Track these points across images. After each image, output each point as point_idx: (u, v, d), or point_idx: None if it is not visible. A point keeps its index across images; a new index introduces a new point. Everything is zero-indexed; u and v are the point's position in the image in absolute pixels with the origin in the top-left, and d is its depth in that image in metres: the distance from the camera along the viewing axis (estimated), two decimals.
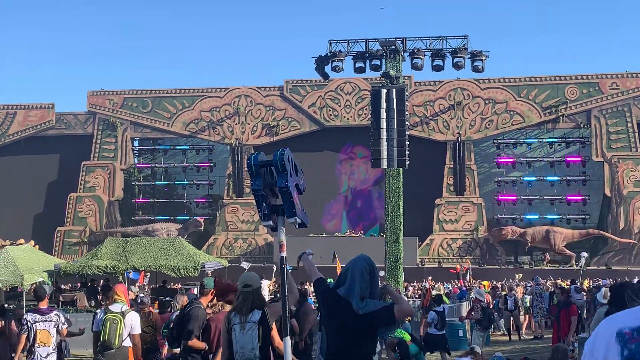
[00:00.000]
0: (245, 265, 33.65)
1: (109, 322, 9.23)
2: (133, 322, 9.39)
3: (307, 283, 33.61)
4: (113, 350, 9.18)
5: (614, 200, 50.01)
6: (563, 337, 13.75)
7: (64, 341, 11.78)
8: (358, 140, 51.61)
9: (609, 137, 50.45)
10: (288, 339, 5.11)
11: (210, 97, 56.32)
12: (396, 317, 5.32)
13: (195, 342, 9.12)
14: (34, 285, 13.72)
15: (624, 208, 49.19)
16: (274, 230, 5.36)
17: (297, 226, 5.33)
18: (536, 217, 51.34)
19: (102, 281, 28.68)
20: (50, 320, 9.88)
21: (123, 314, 9.32)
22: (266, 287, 19.69)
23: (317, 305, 10.71)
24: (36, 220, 57.60)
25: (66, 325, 9.99)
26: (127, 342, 9.32)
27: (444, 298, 22.28)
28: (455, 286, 30.86)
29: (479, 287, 27.18)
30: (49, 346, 9.87)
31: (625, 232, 48.76)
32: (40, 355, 9.91)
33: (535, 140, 52.51)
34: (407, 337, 10.90)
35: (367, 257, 5.57)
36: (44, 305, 10.17)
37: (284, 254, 5.25)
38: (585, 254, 42.00)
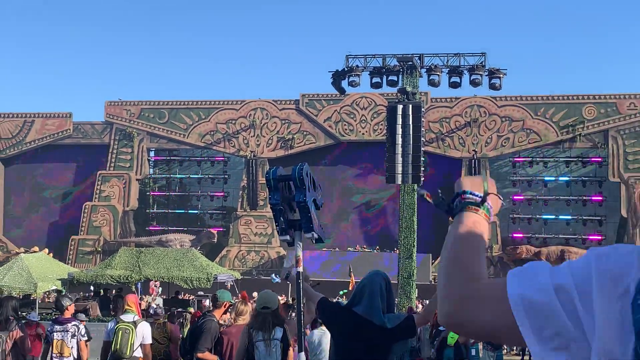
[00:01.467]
0: (276, 278, 33.39)
1: (120, 332, 9.23)
2: (145, 332, 9.39)
3: None
4: None
5: (630, 221, 49.57)
6: None
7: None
8: (373, 155, 51.54)
9: (625, 157, 50.09)
10: (303, 355, 5.07)
11: (227, 109, 56.51)
12: (417, 326, 5.36)
13: (207, 355, 9.08)
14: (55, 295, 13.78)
15: None
16: (291, 245, 5.34)
17: (314, 241, 5.31)
18: (552, 217, 50.93)
19: (114, 291, 28.71)
20: (67, 331, 9.89)
21: (135, 323, 9.33)
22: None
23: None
24: (51, 228, 57.90)
25: (86, 338, 9.97)
26: (138, 352, 9.32)
27: None
28: None
29: None
30: (66, 357, 9.87)
31: None
32: None
33: (552, 159, 52.23)
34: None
35: (383, 272, 5.55)
36: (66, 315, 10.21)
37: (301, 269, 5.23)
38: None
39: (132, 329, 9.17)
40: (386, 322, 5.24)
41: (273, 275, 36.70)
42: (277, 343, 6.79)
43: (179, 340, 11.99)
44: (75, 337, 9.76)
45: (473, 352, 19.07)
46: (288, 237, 5.21)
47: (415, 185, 30.31)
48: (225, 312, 10.06)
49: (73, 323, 9.96)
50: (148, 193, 58.76)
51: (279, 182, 5.15)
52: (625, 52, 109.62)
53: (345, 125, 54.32)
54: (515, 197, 51.88)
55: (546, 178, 51.81)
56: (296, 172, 5.09)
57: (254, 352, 6.63)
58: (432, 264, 49.62)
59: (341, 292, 30.20)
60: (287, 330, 6.90)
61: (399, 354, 5.42)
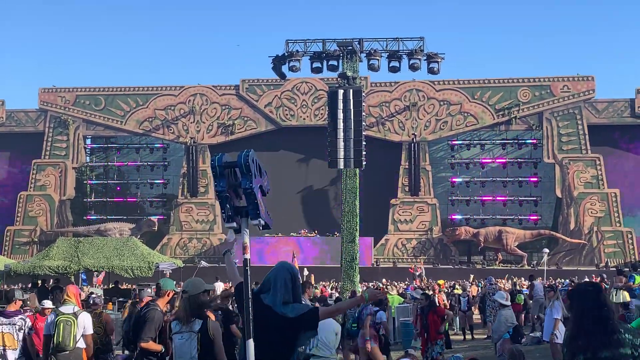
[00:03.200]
0: (204, 264, 33.36)
1: (62, 324, 9.03)
2: (86, 323, 9.23)
3: None
4: (67, 352, 8.99)
5: (564, 201, 51.02)
6: None
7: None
8: (314, 140, 51.67)
9: (560, 139, 51.43)
10: (251, 341, 5.04)
11: (165, 96, 55.75)
12: (319, 319, 5.38)
13: (151, 345, 8.96)
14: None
15: (574, 209, 50.24)
16: (238, 232, 5.29)
17: (260, 228, 5.27)
18: (489, 198, 52.23)
19: (52, 281, 28.08)
20: (14, 324, 9.67)
21: (76, 315, 9.14)
22: (220, 289, 19.51)
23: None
24: None
25: (34, 331, 9.76)
26: (81, 344, 9.15)
27: (397, 299, 22.43)
28: (412, 285, 31.06)
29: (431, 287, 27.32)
30: (15, 349, 9.68)
31: (575, 232, 49.81)
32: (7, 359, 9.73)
33: (489, 142, 53.27)
34: None
35: (288, 265, 5.60)
36: (12, 308, 9.97)
37: (248, 256, 5.18)
38: (546, 250, 43.00)
39: (74, 321, 9.00)
40: (287, 313, 5.29)
41: (201, 261, 36.70)
42: (192, 335, 6.59)
43: (113, 331, 11.85)
44: (23, 331, 9.58)
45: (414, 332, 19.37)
46: (234, 224, 5.15)
47: (357, 169, 30.51)
48: (169, 302, 9.95)
49: (20, 317, 9.76)
50: (85, 182, 57.63)
51: (224, 168, 5.09)
52: (558, 35, 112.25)
53: (286, 110, 54.23)
54: (453, 180, 52.78)
55: (483, 160, 52.83)
56: (242, 158, 5.04)
57: (172, 345, 6.54)
58: (374, 247, 50.18)
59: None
60: (208, 323, 6.81)
61: (302, 344, 5.46)
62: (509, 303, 13.39)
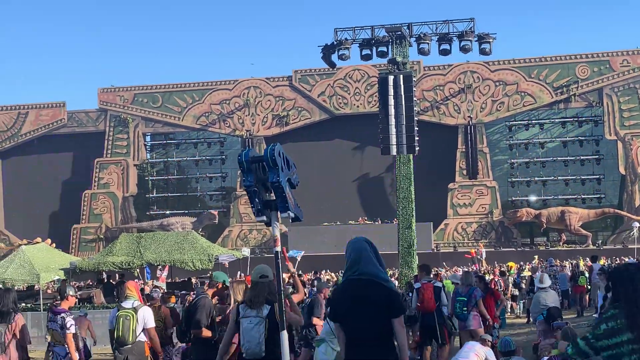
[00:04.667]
0: (245, 251, 33.46)
1: (121, 319, 9.29)
2: (146, 317, 9.44)
3: (322, 272, 33.66)
4: (129, 346, 9.24)
5: (628, 178, 49.64)
6: None
7: (83, 339, 11.81)
8: (369, 127, 51.53)
9: (621, 114, 50.02)
10: (285, 333, 5.13)
11: (220, 90, 56.41)
12: (404, 311, 5.41)
13: (203, 331, 9.19)
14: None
15: (639, 186, 48.84)
16: (268, 225, 5.37)
17: (290, 220, 5.35)
18: (551, 178, 51.23)
19: (117, 277, 28.84)
20: (56, 322, 9.97)
21: (135, 309, 9.38)
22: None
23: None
24: (52, 218, 58.08)
25: (70, 331, 9.99)
26: (142, 337, 9.38)
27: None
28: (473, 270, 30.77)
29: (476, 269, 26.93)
30: (63, 346, 9.96)
31: None
32: (58, 354, 10.01)
33: (548, 121, 52.18)
34: None
35: (363, 237, 5.56)
36: (64, 305, 10.28)
37: (278, 249, 5.27)
38: (637, 224, 41.74)
39: (133, 315, 9.22)
40: (389, 283, 5.33)
41: (243, 248, 36.91)
42: (260, 320, 6.69)
43: (172, 324, 12.06)
44: (63, 329, 9.85)
45: None
46: (264, 218, 5.24)
47: (411, 155, 30.31)
48: (217, 293, 10.14)
49: (61, 315, 10.01)
50: (147, 178, 58.90)
51: (251, 163, 5.18)
52: (615, 9, 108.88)
53: (339, 99, 54.20)
54: (513, 161, 51.94)
55: (543, 140, 51.80)
56: (268, 152, 5.11)
57: (240, 327, 6.66)
58: (433, 232, 49.80)
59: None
60: (276, 308, 6.84)
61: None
62: (545, 285, 13.25)
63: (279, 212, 5.20)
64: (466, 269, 31.00)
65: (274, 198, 5.19)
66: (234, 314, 6.88)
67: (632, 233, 43.09)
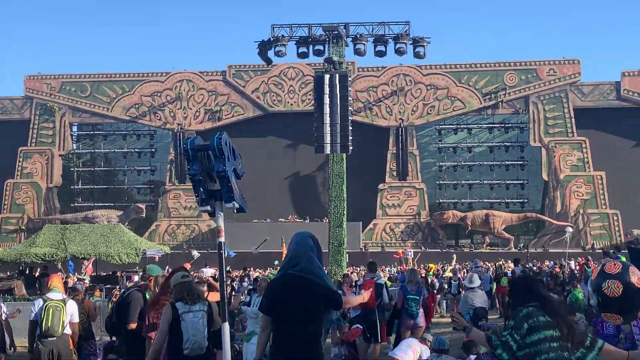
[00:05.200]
0: (195, 254, 33.36)
1: (51, 310, 9.05)
2: (73, 310, 9.27)
3: (251, 269, 33.50)
4: (55, 338, 9.01)
5: (550, 184, 51.28)
6: None
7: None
8: (302, 126, 51.63)
9: (546, 122, 51.62)
10: (227, 325, 5.07)
11: (151, 82, 55.49)
12: (341, 306, 5.41)
13: (136, 325, 9.03)
14: None
15: (561, 192, 50.53)
16: (212, 216, 5.30)
17: (235, 211, 5.27)
18: (477, 182, 52.47)
19: (40, 269, 28.04)
20: None
21: (64, 301, 9.17)
22: (209, 274, 19.55)
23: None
24: None
25: (3, 317, 9.73)
26: (68, 330, 9.17)
27: (387, 283, 22.53)
28: (399, 270, 31.23)
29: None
30: None
31: (562, 215, 50.10)
32: None
33: (476, 126, 53.38)
34: None
35: (308, 232, 5.54)
36: None
37: (222, 239, 5.20)
38: (570, 229, 43.16)
39: (62, 307, 9.02)
40: (327, 281, 5.29)
41: (194, 251, 36.73)
42: (202, 314, 6.72)
43: (95, 317, 11.85)
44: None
45: None
46: (208, 208, 5.16)
47: (344, 154, 30.54)
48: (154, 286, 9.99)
49: None
50: (72, 169, 57.37)
51: (197, 152, 5.09)
52: (544, 18, 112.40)
53: (273, 96, 54.10)
54: (441, 164, 52.93)
55: (470, 144, 52.98)
56: (214, 141, 5.04)
57: (180, 325, 6.62)
58: (362, 232, 50.29)
59: (276, 262, 30.36)
60: (212, 303, 6.94)
61: (326, 320, 5.46)
62: (473, 285, 13.58)
63: (223, 202, 5.13)
64: (402, 269, 31.47)
65: (219, 188, 5.11)
66: (169, 313, 6.75)
67: (564, 237, 44.60)
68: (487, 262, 37.14)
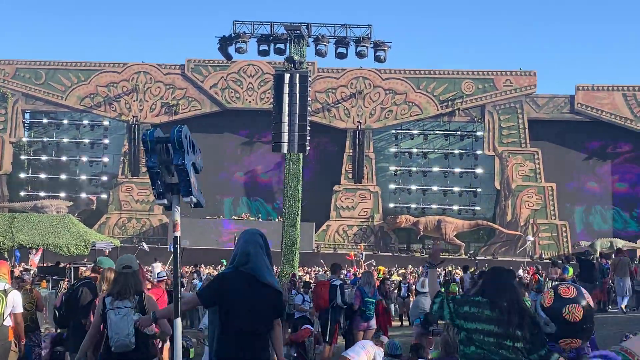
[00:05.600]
0: (145, 247, 32.97)
1: None
2: (15, 301, 8.98)
3: (201, 266, 33.25)
4: None
5: (502, 193, 52.06)
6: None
7: None
8: (259, 123, 51.46)
9: (500, 132, 52.38)
10: (179, 320, 5.00)
11: (108, 72, 54.67)
12: (283, 315, 5.43)
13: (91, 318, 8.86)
14: None
15: (512, 201, 51.34)
16: (168, 209, 5.22)
17: (192, 205, 5.20)
18: (430, 188, 52.79)
19: None
20: None
21: (5, 292, 8.89)
22: (158, 269, 19.34)
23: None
24: None
25: None
26: (8, 322, 8.90)
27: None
28: (350, 272, 31.33)
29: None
30: None
31: (512, 224, 50.89)
32: None
33: (432, 132, 53.87)
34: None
35: (256, 229, 5.50)
36: None
37: (178, 234, 5.13)
38: (531, 238, 43.80)
39: (3, 298, 8.77)
40: (274, 282, 5.25)
41: (142, 243, 36.41)
42: (128, 310, 6.51)
43: (44, 307, 11.58)
44: None
45: None
46: (165, 201, 5.08)
47: (301, 154, 30.53)
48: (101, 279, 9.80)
49: None
50: (22, 157, 56.13)
51: (156, 144, 5.01)
52: (502, 29, 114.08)
53: (231, 92, 53.80)
54: (395, 168, 53.28)
55: (426, 150, 53.44)
56: (174, 134, 4.96)
57: (107, 320, 6.48)
58: (315, 232, 50.34)
59: (223, 261, 30.16)
60: (145, 298, 6.76)
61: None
62: (425, 290, 13.72)
63: (181, 196, 5.06)
64: (353, 271, 31.53)
65: (177, 181, 5.04)
66: (100, 307, 6.62)
67: (525, 246, 45.70)
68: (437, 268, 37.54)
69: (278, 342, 5.30)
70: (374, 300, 13.01)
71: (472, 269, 31.37)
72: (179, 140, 4.95)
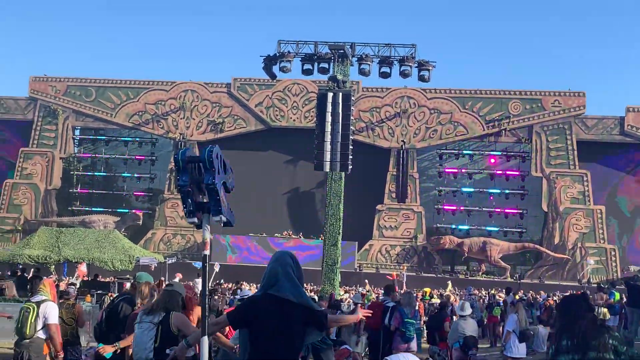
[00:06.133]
0: (216, 267, 33.00)
1: (22, 312, 8.96)
2: (47, 312, 9.06)
3: (243, 282, 33.33)
4: (27, 341, 8.88)
5: (550, 215, 51.16)
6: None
7: None
8: (303, 142, 51.66)
9: (548, 153, 51.59)
10: (206, 339, 5.00)
11: (156, 90, 55.61)
12: (328, 325, 5.29)
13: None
14: None
15: (560, 224, 50.38)
16: (199, 228, 5.26)
17: (222, 225, 5.23)
18: (476, 209, 52.30)
19: (32, 271, 27.93)
20: None
21: (38, 304, 9.02)
22: (199, 286, 19.51)
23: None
24: None
25: None
26: (42, 334, 9.01)
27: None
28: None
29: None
30: None
31: (559, 247, 49.92)
32: None
33: (478, 153, 53.35)
34: None
35: (288, 251, 5.45)
36: None
37: (207, 252, 5.15)
38: (591, 261, 43.08)
39: (33, 309, 8.89)
40: (307, 301, 5.16)
41: (216, 263, 36.66)
42: (151, 327, 6.55)
43: (84, 323, 11.68)
44: None
45: None
46: (195, 220, 5.12)
47: (343, 173, 30.49)
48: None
49: None
50: (72, 172, 57.36)
51: (188, 163, 5.06)
52: (551, 50, 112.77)
53: (276, 110, 54.18)
54: (439, 189, 52.85)
55: (471, 171, 52.92)
56: (206, 153, 5.01)
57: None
58: (358, 252, 50.12)
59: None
60: (172, 315, 6.73)
61: (311, 340, 5.33)
62: (465, 313, 13.49)
63: (211, 215, 5.09)
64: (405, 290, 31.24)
65: (207, 200, 5.08)
66: (134, 320, 6.71)
67: (586, 269, 45.11)
68: (482, 289, 37.01)
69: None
70: (414, 322, 12.86)
71: (515, 292, 30.87)
72: (210, 159, 5.00)
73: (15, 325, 8.95)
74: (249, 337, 5.10)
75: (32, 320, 8.82)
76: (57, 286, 16.94)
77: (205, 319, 4.96)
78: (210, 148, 5.05)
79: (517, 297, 26.89)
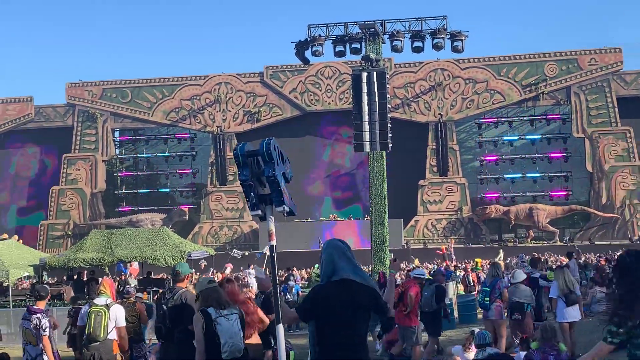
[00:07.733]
0: (238, 253, 33.60)
1: (93, 315, 9.17)
2: (118, 315, 9.33)
3: (293, 268, 33.64)
4: (98, 343, 9.12)
5: (595, 175, 50.43)
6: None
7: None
8: (340, 124, 51.71)
9: (589, 113, 50.77)
10: (281, 327, 5.12)
11: (190, 85, 56.03)
12: (389, 313, 5.39)
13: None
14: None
15: (606, 183, 49.63)
16: (263, 220, 5.36)
17: (285, 214, 5.34)
18: (519, 175, 52.03)
19: (87, 274, 28.53)
20: (30, 321, 9.63)
21: (107, 306, 9.26)
22: (258, 273, 19.69)
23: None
24: (19, 214, 57.24)
25: (45, 333, 9.65)
26: (112, 335, 9.26)
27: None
28: (442, 267, 31.02)
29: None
30: (35, 346, 9.63)
31: (607, 206, 49.22)
32: (29, 354, 9.73)
33: (517, 119, 52.74)
34: None
35: (337, 239, 5.49)
36: (39, 305, 9.92)
37: (274, 243, 5.26)
38: None
39: (105, 312, 9.10)
40: (365, 280, 5.21)
41: (235, 250, 37.10)
42: (236, 317, 6.76)
43: (147, 320, 11.94)
44: (38, 330, 9.46)
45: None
46: (260, 212, 5.23)
47: (384, 152, 30.43)
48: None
49: (36, 315, 9.62)
50: (115, 174, 58.30)
51: (247, 157, 5.16)
52: (583, 7, 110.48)
53: (311, 95, 54.20)
54: (484, 158, 52.42)
55: (511, 137, 52.37)
56: (264, 146, 5.10)
57: (216, 329, 6.61)
58: (404, 228, 50.07)
59: (316, 266, 30.34)
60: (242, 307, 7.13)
61: (372, 323, 5.43)
62: (517, 280, 13.51)
63: (274, 206, 5.20)
64: (445, 264, 31.25)
65: (269, 192, 5.19)
66: (202, 322, 6.69)
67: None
68: (535, 254, 36.64)
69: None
70: (487, 289, 13.26)
71: (576, 256, 30.53)
72: (269, 152, 5.10)
73: (86, 329, 9.16)
74: (316, 326, 5.16)
75: (105, 324, 9.07)
76: (118, 286, 17.26)
77: (278, 307, 5.07)
78: (267, 140, 5.15)
79: (564, 262, 26.63)
